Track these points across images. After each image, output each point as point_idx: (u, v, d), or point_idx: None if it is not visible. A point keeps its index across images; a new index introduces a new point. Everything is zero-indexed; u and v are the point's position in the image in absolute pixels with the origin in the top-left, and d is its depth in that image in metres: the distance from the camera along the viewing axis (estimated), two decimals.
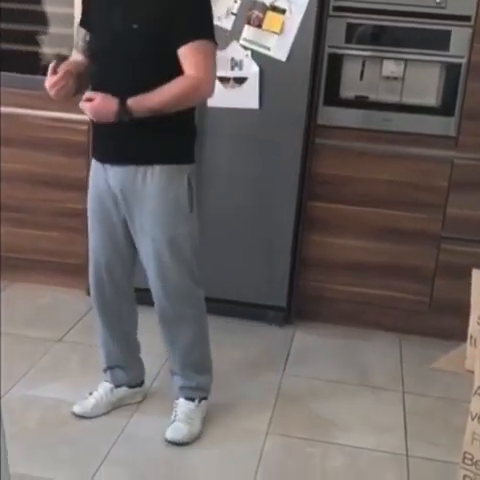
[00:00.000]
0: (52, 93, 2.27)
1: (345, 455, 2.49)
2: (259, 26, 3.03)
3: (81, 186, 3.44)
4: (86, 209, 3.44)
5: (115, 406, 2.63)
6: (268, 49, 3.05)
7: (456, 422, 2.49)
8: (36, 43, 3.38)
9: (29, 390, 2.72)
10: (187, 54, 2.21)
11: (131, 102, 2.19)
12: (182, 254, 2.40)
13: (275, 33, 3.03)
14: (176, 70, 2.22)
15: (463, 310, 3.33)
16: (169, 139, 2.32)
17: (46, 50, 3.42)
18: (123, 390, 2.65)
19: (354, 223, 3.32)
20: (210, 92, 2.28)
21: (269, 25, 3.03)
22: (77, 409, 2.58)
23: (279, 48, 3.05)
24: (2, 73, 3.40)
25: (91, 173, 2.47)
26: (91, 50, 2.35)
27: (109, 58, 2.29)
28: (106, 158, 2.38)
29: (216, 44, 2.29)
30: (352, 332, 3.40)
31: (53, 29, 3.40)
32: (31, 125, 3.41)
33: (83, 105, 2.24)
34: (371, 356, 3.22)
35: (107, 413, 2.60)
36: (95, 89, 2.29)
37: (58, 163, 3.43)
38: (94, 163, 2.45)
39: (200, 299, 2.52)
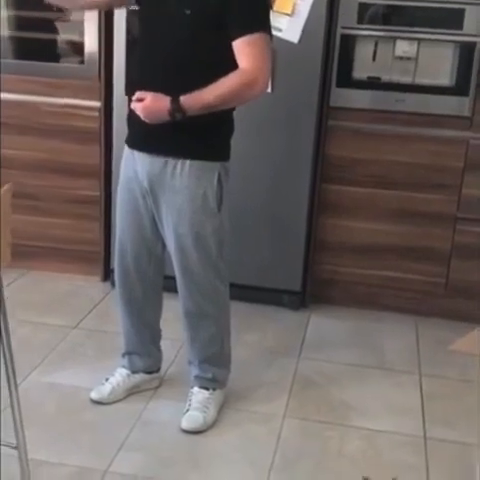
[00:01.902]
0: None
1: (362, 438, 2.49)
2: (270, 8, 3.00)
3: (94, 173, 3.47)
4: (100, 196, 3.48)
5: (132, 392, 2.64)
6: (280, 31, 3.02)
7: (473, 404, 2.49)
8: (50, 30, 3.36)
9: (46, 377, 2.74)
10: (243, 47, 2.14)
11: (184, 99, 2.13)
12: (207, 251, 2.37)
13: (287, 14, 3.00)
14: (225, 60, 2.16)
15: None
16: (204, 134, 2.25)
17: (57, 37, 3.41)
18: (140, 376, 2.65)
19: (368, 205, 3.30)
20: (265, 88, 2.19)
21: (280, 7, 3.00)
22: (94, 395, 2.59)
23: (291, 30, 3.02)
24: (15, 61, 3.40)
25: (122, 161, 2.44)
26: (137, 31, 2.32)
27: (158, 42, 2.24)
28: (136, 145, 2.35)
29: (271, 36, 2.22)
30: (368, 315, 3.39)
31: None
32: (43, 112, 3.41)
33: (134, 105, 2.20)
34: (387, 339, 3.21)
35: (124, 399, 2.61)
36: (137, 72, 2.26)
37: (71, 150, 3.43)
38: (125, 151, 2.42)
39: (224, 296, 2.50)
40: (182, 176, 2.28)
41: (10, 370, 1.89)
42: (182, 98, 2.13)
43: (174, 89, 2.16)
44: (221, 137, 2.33)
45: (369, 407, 2.68)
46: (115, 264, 2.56)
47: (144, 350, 2.64)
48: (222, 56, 2.17)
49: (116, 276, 2.57)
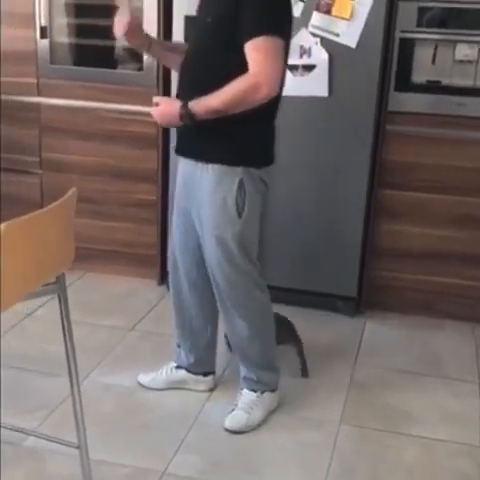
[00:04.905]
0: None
1: (419, 446, 2.46)
2: (328, 12, 3.00)
3: (152, 177, 3.51)
4: (157, 200, 3.52)
5: (173, 386, 2.69)
6: (337, 35, 3.01)
7: None
8: (108, 37, 3.41)
9: (104, 378, 2.78)
10: (249, 52, 2.15)
11: (192, 104, 2.18)
12: (230, 254, 2.36)
13: (344, 19, 2.99)
14: (245, 67, 2.17)
15: None
16: (225, 138, 2.27)
17: (115, 44, 3.46)
18: (183, 373, 2.69)
19: (426, 211, 3.26)
20: (271, 92, 2.15)
21: (338, 11, 2.99)
22: (139, 378, 2.73)
23: (349, 34, 3.01)
24: (74, 67, 3.47)
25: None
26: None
27: (190, 50, 2.35)
28: (176, 149, 2.44)
29: (283, 40, 2.18)
30: (424, 322, 3.34)
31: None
32: (103, 118, 3.47)
33: (151, 111, 2.30)
34: (444, 346, 3.16)
35: (163, 389, 2.68)
36: (179, 78, 2.39)
37: (129, 155, 3.49)
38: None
39: (259, 299, 2.47)
40: (207, 179, 2.32)
41: (73, 371, 1.92)
42: (190, 103, 2.18)
43: (197, 95, 2.20)
44: (245, 142, 2.31)
45: (426, 415, 2.64)
46: (169, 268, 2.61)
47: (189, 348, 2.66)
48: (242, 62, 2.16)
49: (169, 274, 2.62)
